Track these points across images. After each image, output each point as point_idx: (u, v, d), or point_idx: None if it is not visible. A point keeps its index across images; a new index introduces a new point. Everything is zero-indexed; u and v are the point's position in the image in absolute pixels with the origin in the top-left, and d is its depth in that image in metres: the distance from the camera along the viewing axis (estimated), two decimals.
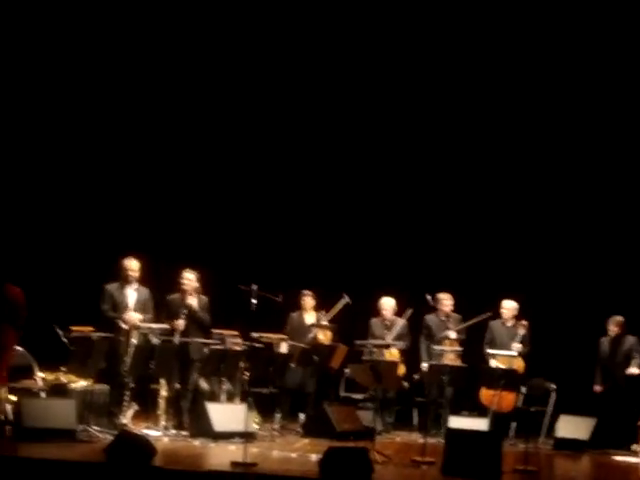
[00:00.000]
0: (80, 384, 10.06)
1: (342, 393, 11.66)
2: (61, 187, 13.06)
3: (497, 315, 11.61)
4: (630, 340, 11.37)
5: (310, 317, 11.63)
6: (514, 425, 11.16)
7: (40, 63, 12.87)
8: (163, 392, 10.36)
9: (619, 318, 11.39)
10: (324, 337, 11.38)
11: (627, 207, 12.58)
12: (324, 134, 13.26)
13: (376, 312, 11.77)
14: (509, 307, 11.58)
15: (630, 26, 12.24)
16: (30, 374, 10.25)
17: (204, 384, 10.71)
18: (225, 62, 13.14)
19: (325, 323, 11.44)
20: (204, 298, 10.71)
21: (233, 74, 13.19)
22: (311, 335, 11.35)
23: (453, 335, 11.47)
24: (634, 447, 10.64)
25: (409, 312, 11.53)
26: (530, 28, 12.50)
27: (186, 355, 10.41)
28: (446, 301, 11.59)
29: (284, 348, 11.01)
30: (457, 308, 11.64)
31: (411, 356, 11.59)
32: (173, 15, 12.95)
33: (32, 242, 12.20)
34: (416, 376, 11.44)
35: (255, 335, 10.59)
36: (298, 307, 11.68)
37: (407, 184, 13.20)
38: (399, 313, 11.67)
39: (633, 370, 11.19)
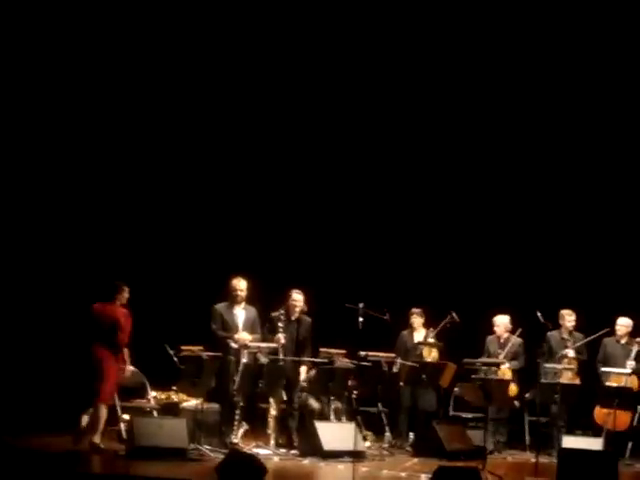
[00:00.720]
0: (191, 403, 10.18)
1: (451, 412, 11.53)
2: (172, 209, 13.27)
3: (611, 332, 11.34)
4: None
5: (419, 335, 11.55)
6: (630, 445, 10.85)
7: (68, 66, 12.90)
8: (272, 411, 10.42)
9: None
10: (430, 355, 11.28)
11: None
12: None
13: (491, 330, 11.63)
14: (624, 324, 11.29)
15: (630, 26, 12.03)
16: (143, 393, 10.43)
17: (313, 403, 10.73)
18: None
19: (432, 341, 11.34)
20: (308, 320, 10.76)
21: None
22: (416, 353, 11.26)
23: (572, 353, 11.23)
24: None
25: (519, 331, 11.35)
26: (530, 28, 12.37)
27: (293, 374, 10.46)
28: (569, 317, 11.38)
29: (395, 368, 10.94)
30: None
31: (524, 374, 11.38)
32: (173, 15, 12.92)
33: (143, 264, 12.41)
34: (528, 395, 11.24)
35: (363, 354, 10.57)
36: (407, 325, 11.61)
37: (510, 201, 13.06)
38: (514, 331, 11.51)
39: None
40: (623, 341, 11.30)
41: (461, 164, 13.25)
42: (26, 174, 12.70)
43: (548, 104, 12.77)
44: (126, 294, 9.92)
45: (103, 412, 9.67)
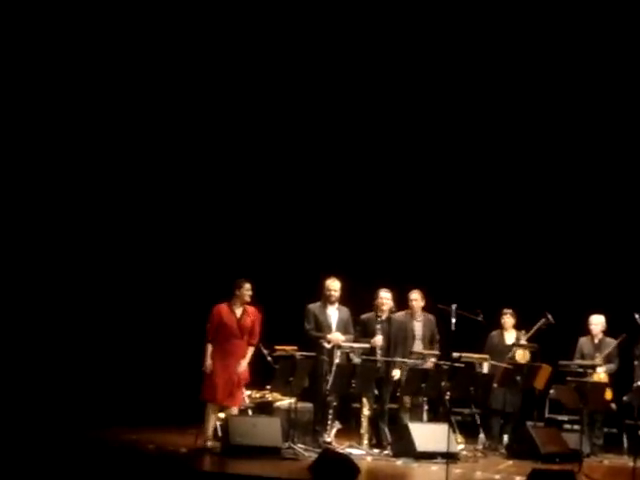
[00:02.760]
0: (284, 402, 10.28)
1: (547, 414, 11.40)
2: (264, 208, 13.42)
3: None
4: None
5: (510, 336, 11.44)
6: None
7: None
8: (365, 411, 10.45)
9: None
10: (522, 357, 11.16)
11: None
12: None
13: (585, 331, 11.47)
14: None
15: (630, 26, 11.78)
16: None
17: (407, 403, 10.73)
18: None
19: (524, 342, 11.23)
20: (398, 320, 10.78)
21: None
22: (509, 355, 11.16)
23: None
24: None
25: (622, 336, 11.15)
26: (530, 28, 12.19)
27: (385, 374, 10.48)
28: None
29: (486, 368, 10.88)
30: None
31: (622, 377, 11.18)
32: (173, 15, 12.90)
33: (239, 264, 12.59)
34: (626, 398, 11.04)
35: (456, 355, 10.53)
36: (498, 326, 11.53)
37: (601, 205, 12.88)
38: (608, 332, 11.32)
39: None
40: None
41: (519, 162, 13.13)
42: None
43: (548, 103, 12.66)
44: (246, 291, 10.01)
45: (208, 410, 9.86)
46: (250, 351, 10.06)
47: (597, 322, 11.36)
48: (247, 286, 10.03)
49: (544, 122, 12.97)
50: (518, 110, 12.93)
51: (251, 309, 10.11)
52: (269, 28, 13.02)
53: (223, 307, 10.05)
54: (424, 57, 12.93)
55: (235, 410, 9.99)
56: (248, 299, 10.06)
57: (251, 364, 10.15)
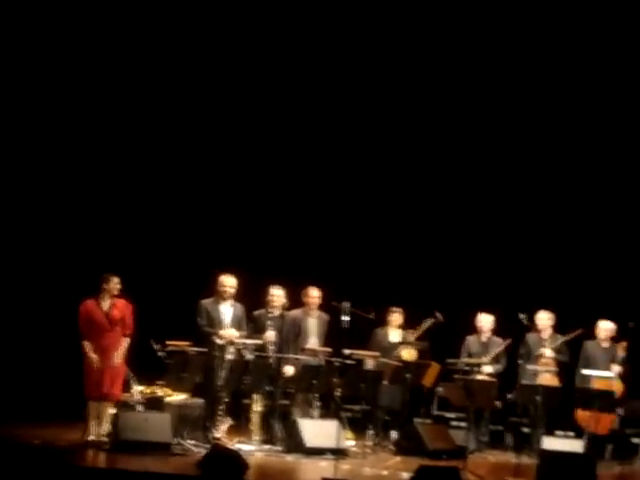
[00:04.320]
0: (176, 398, 10.24)
1: (435, 411, 11.60)
2: (157, 202, 13.30)
3: (588, 334, 11.43)
4: None
5: (395, 334, 11.56)
6: (610, 447, 10.96)
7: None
8: (256, 407, 10.48)
9: None
10: (409, 355, 11.33)
11: None
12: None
13: (473, 329, 11.71)
14: (607, 328, 11.39)
15: (630, 26, 12.04)
16: (128, 387, 10.48)
17: (297, 400, 10.80)
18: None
19: (411, 341, 11.39)
20: (290, 316, 10.86)
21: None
22: (394, 353, 11.32)
23: (548, 353, 11.33)
24: None
25: (509, 341, 11.43)
26: (530, 28, 12.35)
27: (277, 370, 10.54)
28: (542, 319, 11.45)
29: (370, 365, 11.01)
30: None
31: (506, 375, 11.47)
32: (173, 15, 12.90)
33: (128, 258, 12.45)
34: (510, 396, 11.32)
35: (347, 352, 10.65)
36: (384, 323, 11.62)
37: (498, 202, 13.10)
38: (496, 331, 11.59)
39: None
40: (605, 345, 11.40)
41: (447, 164, 13.30)
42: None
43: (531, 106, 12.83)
44: (114, 285, 10.02)
45: (90, 406, 9.80)
46: (124, 342, 10.07)
47: (485, 321, 11.61)
48: (115, 280, 10.07)
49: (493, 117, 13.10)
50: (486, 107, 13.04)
51: (120, 302, 10.12)
52: (269, 28, 12.97)
53: (89, 303, 10.05)
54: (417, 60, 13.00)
55: (111, 408, 9.93)
56: (116, 292, 10.10)
57: (133, 358, 10.14)
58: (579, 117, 12.72)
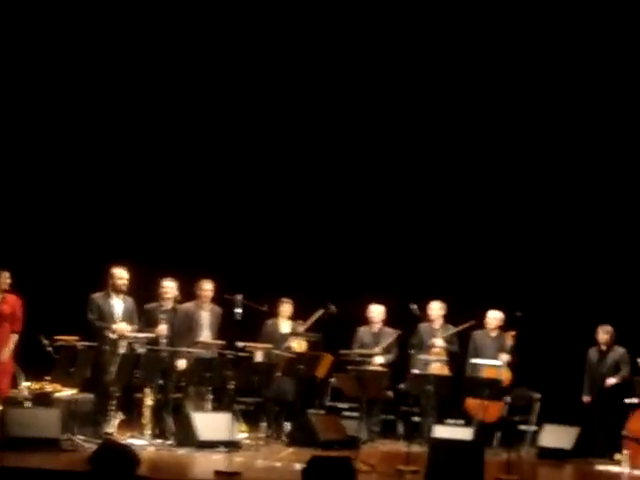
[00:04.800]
0: (65, 393, 10.07)
1: (327, 402, 11.68)
2: (45, 194, 13.03)
3: (479, 325, 11.66)
4: (619, 351, 11.41)
5: (286, 325, 11.57)
6: (498, 434, 11.21)
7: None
8: (148, 401, 10.39)
9: (609, 327, 11.43)
10: (299, 347, 11.37)
11: (615, 216, 12.62)
12: (298, 132, 13.27)
13: (364, 320, 11.80)
14: (495, 317, 11.64)
15: (630, 26, 12.28)
16: (16, 384, 10.27)
17: (190, 393, 10.74)
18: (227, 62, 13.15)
19: (301, 332, 11.43)
20: (183, 309, 10.80)
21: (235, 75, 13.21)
22: (285, 344, 11.34)
23: (439, 342, 11.51)
24: (617, 456, 10.70)
25: (399, 331, 11.56)
26: (530, 28, 12.51)
27: (170, 364, 10.46)
28: (434, 309, 11.63)
29: (259, 357, 11.02)
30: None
31: (398, 365, 11.61)
32: (173, 15, 12.92)
33: (17, 251, 12.18)
34: (402, 385, 11.48)
35: (241, 344, 10.64)
36: (274, 315, 11.58)
37: (392, 191, 13.21)
38: (387, 322, 11.71)
39: (610, 380, 11.26)
40: (493, 334, 11.65)
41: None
42: None
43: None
44: (4, 280, 9.84)
45: None
46: (13, 338, 9.93)
47: (376, 312, 11.73)
48: (5, 275, 9.95)
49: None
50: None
51: (11, 297, 10.01)
52: (269, 28, 12.88)
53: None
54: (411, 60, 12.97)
55: None
56: (7, 287, 9.98)
57: (21, 353, 9.95)
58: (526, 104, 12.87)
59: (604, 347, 11.45)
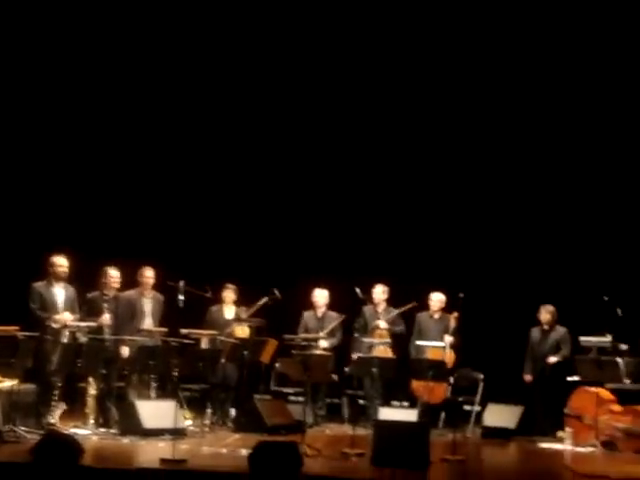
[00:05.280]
0: (6, 384, 9.92)
1: (273, 387, 11.68)
2: None
3: (422, 307, 11.73)
4: (560, 331, 11.55)
5: (230, 311, 11.55)
6: (443, 415, 11.30)
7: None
8: (91, 390, 10.29)
9: (550, 307, 11.56)
10: (242, 332, 11.33)
11: (554, 196, 12.74)
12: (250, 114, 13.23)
13: (308, 305, 11.80)
14: (437, 299, 11.71)
15: (630, 26, 12.34)
16: None
17: (134, 381, 10.66)
18: (220, 61, 13.12)
19: (244, 318, 11.39)
20: (125, 297, 10.70)
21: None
22: (228, 330, 11.29)
23: (382, 324, 11.56)
24: (560, 434, 10.85)
25: (343, 316, 11.58)
26: (530, 28, 12.56)
27: (113, 353, 10.37)
28: (377, 292, 11.67)
29: (204, 343, 10.97)
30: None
31: (343, 348, 11.63)
32: (173, 15, 12.91)
33: None
34: (347, 369, 11.50)
35: (184, 331, 10.58)
36: (218, 301, 11.55)
37: (332, 173, 13.22)
38: (332, 306, 11.72)
39: (552, 359, 11.40)
40: (437, 316, 11.72)
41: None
42: None
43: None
44: None
45: None
46: None
47: (320, 296, 11.74)
48: None
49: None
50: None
51: None
52: (268, 28, 12.82)
53: None
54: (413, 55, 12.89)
55: None
56: None
57: None
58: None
59: (546, 327, 11.58)
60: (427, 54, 12.86)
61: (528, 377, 11.55)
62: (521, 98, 12.74)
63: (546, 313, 11.55)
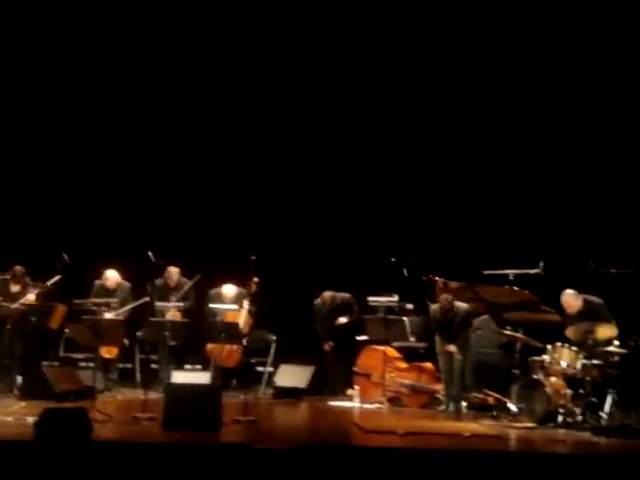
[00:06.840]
0: None
1: (62, 354, 11.44)
2: None
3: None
4: (344, 297, 11.80)
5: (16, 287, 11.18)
6: (236, 377, 11.40)
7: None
8: None
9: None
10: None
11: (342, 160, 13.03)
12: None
13: (99, 275, 11.62)
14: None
15: (630, 26, 12.45)
16: None
17: None
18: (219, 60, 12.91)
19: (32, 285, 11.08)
20: None
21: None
22: (21, 301, 10.96)
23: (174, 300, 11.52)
24: (349, 392, 11.17)
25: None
26: (530, 28, 12.58)
27: None
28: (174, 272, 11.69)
29: None
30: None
31: (136, 313, 11.48)
32: (173, 15, 12.72)
33: None
34: (139, 333, 11.39)
35: None
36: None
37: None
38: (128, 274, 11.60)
39: (341, 320, 11.68)
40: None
41: None
42: None
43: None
44: None
45: None
46: None
47: (110, 277, 11.54)
48: None
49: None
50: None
51: None
52: (268, 27, 12.64)
53: None
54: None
55: None
56: None
57: None
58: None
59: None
60: (426, 53, 12.86)
61: (327, 347, 11.70)
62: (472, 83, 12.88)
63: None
